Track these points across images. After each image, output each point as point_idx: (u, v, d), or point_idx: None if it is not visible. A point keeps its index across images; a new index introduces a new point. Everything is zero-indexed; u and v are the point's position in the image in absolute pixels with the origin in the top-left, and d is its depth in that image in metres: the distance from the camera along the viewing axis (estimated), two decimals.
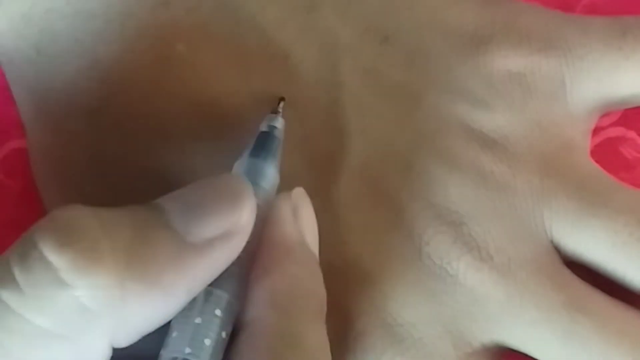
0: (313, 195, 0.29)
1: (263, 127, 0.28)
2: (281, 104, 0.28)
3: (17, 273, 0.22)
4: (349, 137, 0.29)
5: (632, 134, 0.31)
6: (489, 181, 0.29)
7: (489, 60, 0.29)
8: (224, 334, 0.24)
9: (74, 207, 0.23)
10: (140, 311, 0.23)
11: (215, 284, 0.24)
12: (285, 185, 0.29)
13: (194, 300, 0.24)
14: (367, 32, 0.30)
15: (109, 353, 0.23)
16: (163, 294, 0.23)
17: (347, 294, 0.28)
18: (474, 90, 0.29)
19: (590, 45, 0.30)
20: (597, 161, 0.30)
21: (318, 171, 0.29)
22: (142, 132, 0.29)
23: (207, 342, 0.24)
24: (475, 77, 0.29)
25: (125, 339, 0.23)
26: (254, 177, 0.26)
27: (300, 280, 0.25)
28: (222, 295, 0.24)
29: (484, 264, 0.28)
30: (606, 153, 0.31)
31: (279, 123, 0.28)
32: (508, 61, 0.29)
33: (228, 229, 0.24)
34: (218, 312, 0.24)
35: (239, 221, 0.24)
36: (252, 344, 0.24)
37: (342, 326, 0.28)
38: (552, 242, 0.29)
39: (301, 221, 0.26)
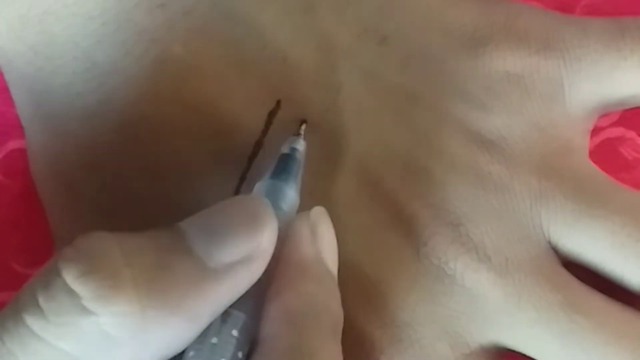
0: (311, 195, 0.29)
1: (285, 149, 0.28)
2: (303, 126, 0.28)
3: (42, 300, 0.23)
4: (347, 138, 0.29)
5: (631, 134, 0.31)
6: (486, 182, 0.29)
7: (487, 62, 0.29)
8: (240, 354, 0.24)
9: (98, 235, 0.24)
10: (162, 336, 0.23)
11: (233, 304, 0.25)
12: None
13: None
14: (365, 33, 0.30)
15: None
16: (184, 319, 0.24)
17: (346, 295, 0.28)
18: (472, 91, 0.29)
19: (588, 46, 0.30)
20: (596, 162, 0.30)
21: (316, 171, 0.29)
22: (140, 134, 0.29)
23: None
24: (473, 78, 0.29)
25: None
26: (274, 199, 0.26)
27: (314, 298, 0.25)
28: (239, 316, 0.25)
29: (482, 264, 0.28)
30: (606, 153, 0.31)
31: (301, 145, 0.28)
32: (506, 62, 0.29)
33: (249, 253, 0.24)
34: (235, 332, 0.24)
35: (259, 246, 0.25)
36: None
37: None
38: (549, 242, 0.29)
39: (319, 240, 0.27)
